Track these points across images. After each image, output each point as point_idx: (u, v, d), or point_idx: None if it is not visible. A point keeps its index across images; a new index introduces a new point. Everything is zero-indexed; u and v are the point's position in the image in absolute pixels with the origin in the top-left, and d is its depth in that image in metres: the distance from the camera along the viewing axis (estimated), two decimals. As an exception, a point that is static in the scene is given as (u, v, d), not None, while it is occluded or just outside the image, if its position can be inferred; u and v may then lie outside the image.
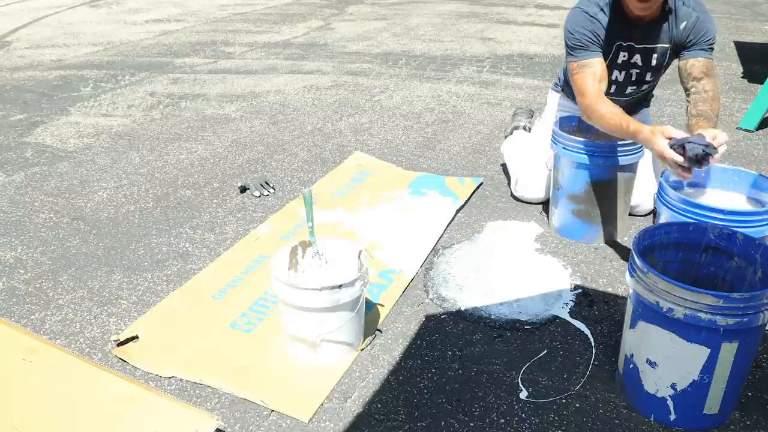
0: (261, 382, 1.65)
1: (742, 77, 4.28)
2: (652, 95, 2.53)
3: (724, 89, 4.01)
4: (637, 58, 2.21)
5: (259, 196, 2.71)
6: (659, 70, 2.26)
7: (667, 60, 2.22)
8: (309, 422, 1.53)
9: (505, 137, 3.00)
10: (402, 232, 2.37)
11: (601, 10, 2.12)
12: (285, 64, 4.88)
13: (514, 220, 2.48)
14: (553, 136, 2.24)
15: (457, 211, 2.53)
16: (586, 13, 2.13)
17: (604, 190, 2.20)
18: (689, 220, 1.71)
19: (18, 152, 3.24)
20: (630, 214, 2.42)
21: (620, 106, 2.25)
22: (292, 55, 5.14)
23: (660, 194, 1.87)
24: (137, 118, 3.71)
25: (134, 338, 1.80)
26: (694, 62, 2.11)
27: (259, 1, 7.74)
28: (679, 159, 1.70)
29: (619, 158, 2.13)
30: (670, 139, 1.74)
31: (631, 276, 1.45)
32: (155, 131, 3.50)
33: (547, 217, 2.46)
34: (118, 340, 1.78)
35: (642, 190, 2.38)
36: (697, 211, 1.73)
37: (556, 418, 1.54)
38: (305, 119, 3.66)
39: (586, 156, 2.14)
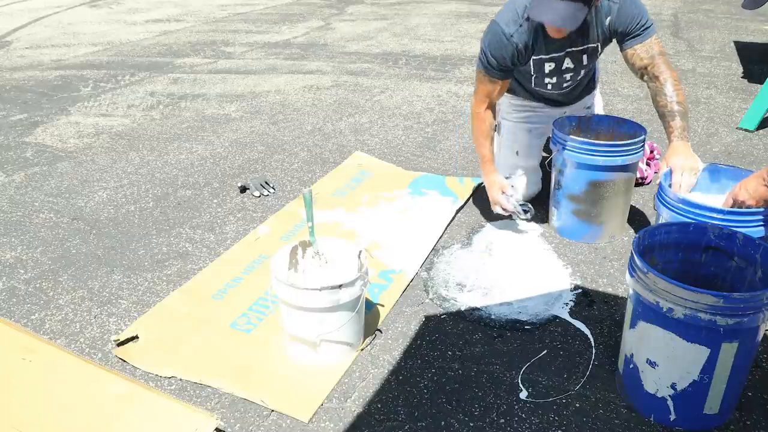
0: (261, 382, 1.65)
1: (742, 77, 4.28)
2: (595, 79, 2.51)
3: (724, 89, 4.01)
4: (567, 62, 2.18)
5: (259, 196, 2.71)
6: (592, 62, 2.24)
7: (600, 52, 2.19)
8: (309, 422, 1.53)
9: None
10: (402, 232, 2.37)
11: (520, 26, 2.03)
12: (285, 64, 4.88)
13: (514, 220, 2.48)
14: (553, 136, 2.24)
15: (457, 211, 2.53)
16: (503, 34, 2.05)
17: (604, 190, 2.20)
18: (689, 220, 1.71)
19: (18, 152, 3.24)
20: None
21: (563, 94, 2.36)
22: (292, 55, 5.14)
23: (660, 194, 1.87)
24: (137, 118, 3.71)
25: (134, 338, 1.80)
26: (632, 52, 2.10)
27: (259, 1, 7.74)
28: (508, 208, 2.27)
29: (619, 158, 2.13)
30: (504, 193, 2.24)
31: (631, 276, 1.45)
32: (155, 131, 3.50)
33: (547, 217, 2.46)
34: (118, 340, 1.78)
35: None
36: (697, 211, 1.73)
37: (556, 418, 1.54)
38: (305, 119, 3.66)
39: (586, 156, 2.14)
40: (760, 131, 3.35)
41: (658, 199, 1.87)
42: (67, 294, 2.06)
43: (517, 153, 2.53)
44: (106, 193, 2.77)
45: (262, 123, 3.61)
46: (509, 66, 2.13)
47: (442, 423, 1.53)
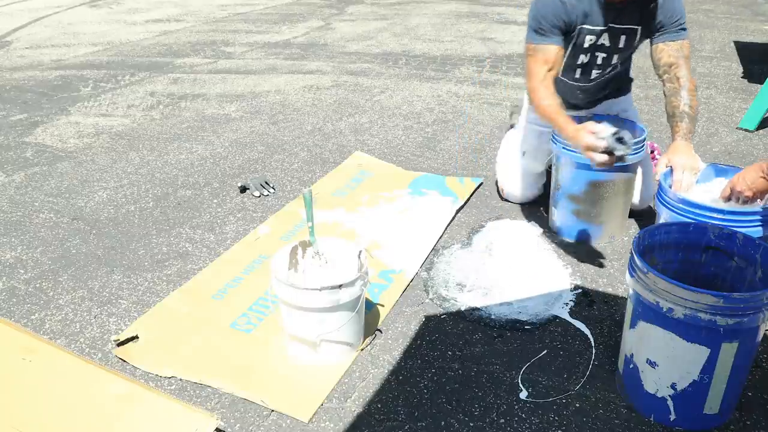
0: (261, 382, 1.65)
1: (742, 77, 4.28)
2: (631, 78, 2.47)
3: (724, 89, 4.01)
4: (604, 39, 2.14)
5: (259, 196, 2.71)
6: (627, 51, 2.21)
7: (636, 42, 2.17)
8: (309, 422, 1.53)
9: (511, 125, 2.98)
10: (402, 232, 2.37)
11: None
12: (285, 64, 4.88)
13: (514, 220, 2.48)
14: (553, 136, 2.24)
15: (457, 211, 2.53)
16: None
17: (604, 190, 2.20)
18: (689, 220, 1.71)
19: (18, 152, 3.24)
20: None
21: (589, 91, 2.28)
22: (292, 55, 5.14)
23: (659, 194, 1.87)
24: (137, 118, 3.71)
25: (134, 338, 1.80)
26: (663, 47, 2.09)
27: (259, 1, 7.74)
28: (601, 144, 1.78)
29: (619, 158, 2.13)
30: (593, 133, 1.80)
31: (631, 276, 1.45)
32: (155, 131, 3.50)
33: (547, 217, 2.46)
34: (118, 340, 1.78)
35: (638, 187, 2.36)
36: (697, 211, 1.73)
37: (556, 418, 1.54)
38: (305, 119, 3.66)
39: (586, 156, 2.14)
40: (760, 131, 3.35)
41: (658, 199, 1.87)
42: (67, 294, 2.06)
43: (523, 154, 2.52)
44: (106, 193, 2.77)
45: (262, 123, 3.61)
46: (559, 25, 2.06)
47: (442, 423, 1.53)
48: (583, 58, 2.21)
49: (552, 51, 2.08)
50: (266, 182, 2.78)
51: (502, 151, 2.68)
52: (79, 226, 2.49)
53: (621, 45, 2.16)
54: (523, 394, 1.61)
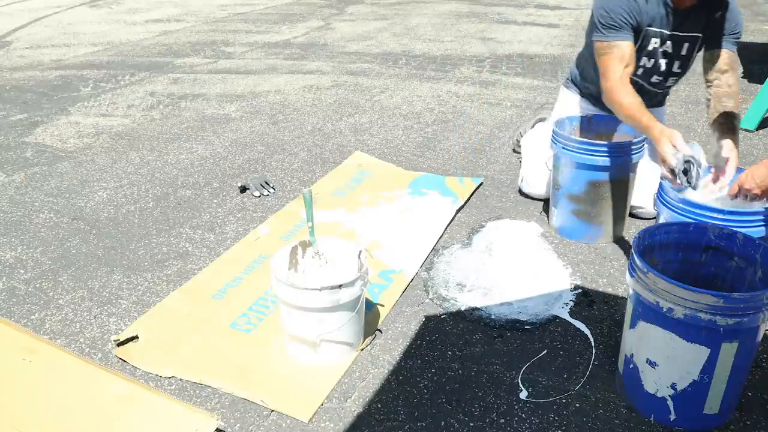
0: (261, 382, 1.65)
1: (742, 77, 4.28)
2: (668, 93, 2.49)
3: (724, 89, 4.01)
4: (668, 46, 2.16)
5: (259, 196, 2.71)
6: (688, 60, 2.22)
7: (696, 50, 2.19)
8: (309, 422, 1.53)
9: (520, 134, 2.98)
10: (402, 232, 2.37)
11: None
12: (285, 64, 4.88)
13: (514, 220, 2.48)
14: (552, 135, 2.24)
15: (457, 211, 2.53)
16: None
17: (604, 190, 2.20)
18: (689, 220, 1.71)
19: (18, 152, 3.24)
20: (633, 216, 2.41)
21: (648, 95, 2.24)
22: (292, 55, 5.14)
23: (660, 194, 1.87)
24: (137, 118, 3.71)
25: (134, 338, 1.80)
26: (720, 53, 2.10)
27: (259, 1, 7.74)
28: (672, 164, 1.80)
29: (619, 158, 2.13)
30: (675, 147, 1.81)
31: (631, 276, 1.45)
32: (155, 131, 3.50)
33: (547, 217, 2.46)
34: (118, 340, 1.78)
35: (645, 193, 2.35)
36: (697, 211, 1.73)
37: (556, 418, 1.54)
38: (305, 119, 3.66)
39: (586, 156, 2.14)
40: (760, 131, 3.35)
41: (659, 198, 1.87)
42: (67, 294, 2.06)
43: (546, 164, 2.49)
44: (106, 193, 2.77)
45: (262, 123, 3.61)
46: (632, 22, 2.05)
47: (442, 423, 1.53)
48: (645, 61, 2.21)
49: (627, 47, 2.07)
50: (266, 182, 2.78)
51: (531, 145, 2.64)
52: (79, 226, 2.49)
53: (683, 52, 2.18)
54: (523, 394, 1.61)
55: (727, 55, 2.10)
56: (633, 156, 2.15)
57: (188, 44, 5.57)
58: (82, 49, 5.43)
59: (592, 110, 2.46)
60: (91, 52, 5.36)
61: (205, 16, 6.92)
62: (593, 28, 2.14)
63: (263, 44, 5.54)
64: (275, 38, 5.77)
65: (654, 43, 2.15)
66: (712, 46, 2.13)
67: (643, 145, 2.17)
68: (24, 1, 7.96)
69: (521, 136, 2.96)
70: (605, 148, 2.13)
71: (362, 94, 4.09)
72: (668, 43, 2.16)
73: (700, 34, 2.14)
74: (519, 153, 3.02)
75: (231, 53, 5.25)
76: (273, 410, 1.57)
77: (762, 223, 1.70)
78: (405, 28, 6.13)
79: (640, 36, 2.13)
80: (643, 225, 2.39)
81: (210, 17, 6.84)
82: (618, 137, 2.33)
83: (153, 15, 6.97)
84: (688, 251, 1.61)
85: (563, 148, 2.18)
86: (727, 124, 2.00)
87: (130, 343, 1.79)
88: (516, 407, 1.57)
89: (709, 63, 2.13)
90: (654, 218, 2.43)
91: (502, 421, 1.53)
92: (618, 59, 2.06)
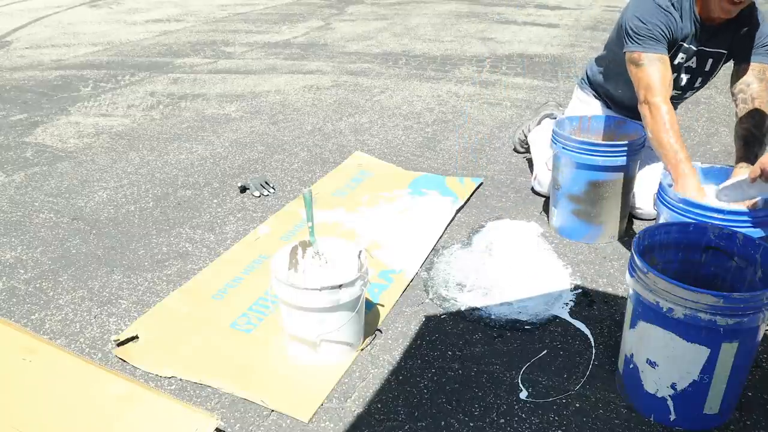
0: (261, 382, 1.65)
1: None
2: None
3: (724, 89, 4.00)
4: (692, 61, 2.14)
5: (259, 196, 2.71)
6: (709, 76, 2.21)
7: (720, 66, 2.17)
8: (309, 422, 1.53)
9: (527, 130, 2.97)
10: (402, 232, 2.37)
11: (672, 5, 2.03)
12: (285, 64, 4.88)
13: (514, 220, 2.48)
14: (552, 135, 2.24)
15: (457, 211, 2.53)
16: (658, 5, 2.02)
17: (604, 190, 2.20)
18: (689, 220, 1.71)
19: (18, 152, 3.24)
20: (633, 216, 2.41)
21: None
22: (292, 55, 5.14)
23: (660, 194, 1.87)
24: (137, 118, 3.71)
25: (134, 338, 1.80)
26: (749, 66, 2.06)
27: (259, 1, 7.74)
28: None
29: (619, 158, 2.13)
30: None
31: (631, 276, 1.45)
32: (155, 131, 3.50)
33: (547, 217, 2.46)
34: (118, 340, 1.78)
35: (645, 193, 2.34)
36: (697, 211, 1.73)
37: (556, 418, 1.54)
38: (305, 119, 3.66)
39: (586, 156, 2.14)
40: (760, 131, 3.35)
41: (659, 198, 1.87)
42: (67, 294, 2.06)
43: (546, 164, 2.49)
44: (106, 193, 2.77)
45: (262, 123, 3.61)
46: (668, 35, 2.02)
47: (442, 423, 1.53)
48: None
49: (666, 60, 2.03)
50: (266, 182, 2.79)
51: (542, 143, 2.63)
52: (79, 226, 2.49)
53: (707, 68, 2.17)
54: (523, 394, 1.61)
55: (758, 69, 2.05)
56: (633, 156, 2.15)
57: (188, 44, 5.57)
58: (82, 49, 5.43)
59: (609, 113, 2.46)
60: (91, 52, 5.36)
61: (205, 16, 6.92)
62: (624, 37, 2.08)
63: (263, 44, 5.54)
64: (275, 38, 5.78)
65: (680, 58, 2.13)
66: (741, 60, 2.09)
67: (643, 145, 2.17)
68: (24, 1, 7.96)
69: (524, 134, 2.96)
70: (605, 148, 2.13)
71: (362, 94, 4.09)
72: (694, 59, 2.14)
73: (725, 51, 2.12)
74: (520, 153, 3.03)
75: (231, 53, 5.25)
76: (273, 410, 1.57)
77: (762, 223, 1.70)
78: (405, 28, 6.13)
79: (670, 50, 2.09)
80: (643, 225, 2.39)
81: (210, 17, 6.84)
82: (618, 137, 2.33)
83: (153, 15, 6.97)
84: (688, 251, 1.61)
85: (563, 148, 2.18)
86: (748, 138, 1.96)
87: (130, 343, 1.79)
88: (516, 407, 1.57)
89: (736, 77, 2.09)
90: (654, 218, 2.46)
91: (502, 421, 1.53)
92: (658, 72, 2.00)
